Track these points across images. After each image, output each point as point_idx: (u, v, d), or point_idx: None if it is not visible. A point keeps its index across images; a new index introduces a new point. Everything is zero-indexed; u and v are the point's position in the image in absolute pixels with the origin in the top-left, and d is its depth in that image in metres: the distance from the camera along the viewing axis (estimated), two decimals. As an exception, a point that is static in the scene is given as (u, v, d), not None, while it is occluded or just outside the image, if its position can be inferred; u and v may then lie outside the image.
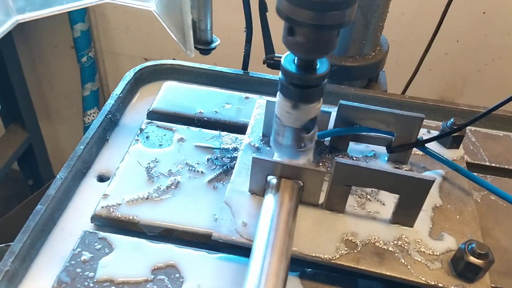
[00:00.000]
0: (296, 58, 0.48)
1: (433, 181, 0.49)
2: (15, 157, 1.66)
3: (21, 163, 1.79)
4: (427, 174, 0.59)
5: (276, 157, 0.55)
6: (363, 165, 0.50)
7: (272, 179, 0.53)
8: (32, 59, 1.76)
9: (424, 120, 0.58)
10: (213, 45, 0.60)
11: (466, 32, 1.40)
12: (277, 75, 0.78)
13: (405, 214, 0.52)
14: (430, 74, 1.48)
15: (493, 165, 0.66)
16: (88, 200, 0.60)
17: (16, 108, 1.63)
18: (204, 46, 0.59)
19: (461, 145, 0.64)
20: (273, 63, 0.86)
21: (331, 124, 0.61)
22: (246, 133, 0.64)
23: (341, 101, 0.58)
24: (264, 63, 0.86)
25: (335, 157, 0.50)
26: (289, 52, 0.48)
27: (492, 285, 0.49)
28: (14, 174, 1.87)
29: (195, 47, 0.57)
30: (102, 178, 0.64)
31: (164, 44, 1.60)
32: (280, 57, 0.50)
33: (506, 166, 0.66)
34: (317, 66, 0.47)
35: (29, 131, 1.69)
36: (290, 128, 0.51)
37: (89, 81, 1.68)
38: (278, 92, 0.50)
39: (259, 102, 0.68)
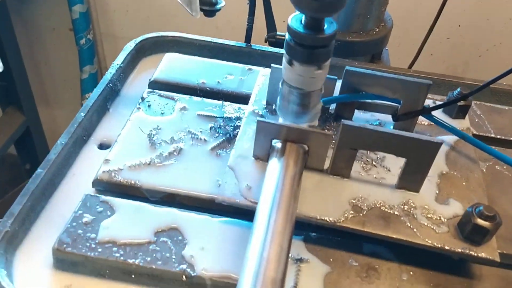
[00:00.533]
0: (304, 19, 0.48)
1: (441, 144, 0.48)
2: (12, 140, 1.64)
3: (18, 147, 1.77)
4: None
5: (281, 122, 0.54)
6: (370, 127, 0.49)
7: (277, 143, 0.52)
8: (30, 42, 1.74)
9: (429, 94, 0.57)
10: (218, 6, 0.59)
11: (468, 17, 1.39)
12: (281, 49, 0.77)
13: (411, 179, 0.51)
14: (432, 59, 1.47)
15: (498, 137, 0.65)
16: (89, 166, 0.59)
17: (14, 91, 1.61)
18: (209, 7, 0.58)
19: (467, 117, 0.63)
20: (275, 41, 0.85)
21: (336, 92, 0.60)
22: (250, 101, 0.63)
23: (347, 67, 0.58)
24: (266, 42, 0.85)
25: (342, 120, 0.49)
26: (294, 20, 0.48)
27: (498, 250, 0.49)
28: (11, 158, 1.85)
29: (200, 9, 0.56)
30: (103, 146, 0.63)
31: (164, 27, 1.58)
32: (282, 35, 0.49)
33: (511, 138, 0.65)
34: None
35: (27, 114, 1.67)
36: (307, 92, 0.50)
37: (88, 64, 1.66)
38: (296, 64, 0.50)
39: (263, 71, 0.67)
